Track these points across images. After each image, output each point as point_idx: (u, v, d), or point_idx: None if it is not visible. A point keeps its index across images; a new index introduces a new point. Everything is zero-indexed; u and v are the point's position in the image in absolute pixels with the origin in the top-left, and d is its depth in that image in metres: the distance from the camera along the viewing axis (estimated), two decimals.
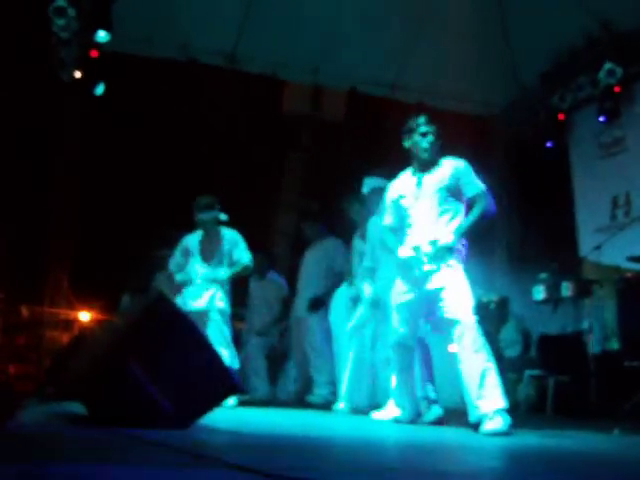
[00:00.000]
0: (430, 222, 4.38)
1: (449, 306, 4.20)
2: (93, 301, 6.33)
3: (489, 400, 4.00)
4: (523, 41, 7.26)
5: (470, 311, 4.16)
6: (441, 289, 4.24)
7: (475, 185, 4.44)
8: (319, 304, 6.58)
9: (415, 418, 4.64)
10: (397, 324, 4.49)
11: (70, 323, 6.15)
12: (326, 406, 6.08)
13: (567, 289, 6.69)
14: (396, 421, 4.66)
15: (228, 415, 4.53)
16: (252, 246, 6.76)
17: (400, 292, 4.46)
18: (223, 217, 5.98)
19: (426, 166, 4.50)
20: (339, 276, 6.49)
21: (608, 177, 7.17)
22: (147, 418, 3.24)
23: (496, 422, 3.93)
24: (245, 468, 2.12)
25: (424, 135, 4.50)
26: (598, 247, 6.38)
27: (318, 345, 6.56)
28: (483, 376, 4.03)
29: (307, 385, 6.77)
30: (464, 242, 4.37)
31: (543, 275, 7.07)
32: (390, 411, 4.84)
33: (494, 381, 4.03)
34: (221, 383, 3.65)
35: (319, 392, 6.45)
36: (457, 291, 4.22)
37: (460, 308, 4.17)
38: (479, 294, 7.07)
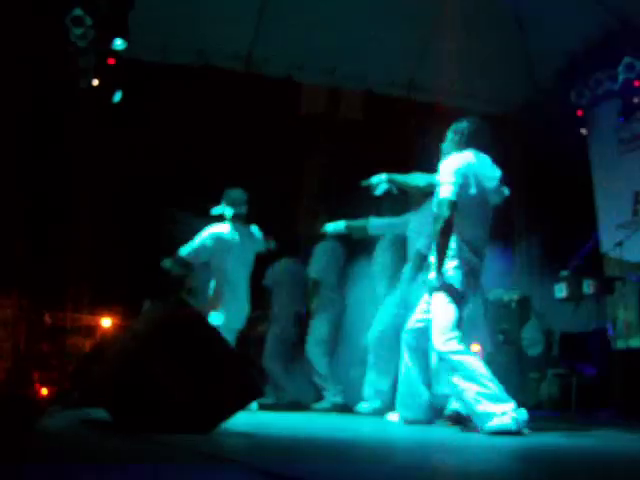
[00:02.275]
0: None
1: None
2: (115, 307, 6.37)
3: (481, 418, 3.99)
4: (539, 38, 7.21)
5: (435, 336, 4.13)
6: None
7: (438, 189, 4.27)
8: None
9: (425, 418, 4.63)
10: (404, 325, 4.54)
11: (92, 329, 6.20)
12: (336, 410, 6.07)
13: (589, 286, 6.63)
14: (405, 422, 4.66)
15: (250, 419, 4.54)
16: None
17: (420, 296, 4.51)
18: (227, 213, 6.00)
19: None
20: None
21: (629, 173, 7.10)
22: (170, 423, 3.26)
23: (502, 419, 3.91)
24: (270, 473, 2.13)
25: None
26: (620, 243, 6.34)
27: (318, 342, 6.47)
28: (460, 398, 4.11)
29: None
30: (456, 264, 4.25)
31: (564, 272, 7.02)
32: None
33: (475, 403, 3.97)
34: (244, 388, 3.66)
35: (327, 397, 6.30)
36: (433, 315, 4.23)
37: (432, 334, 4.19)
38: (500, 293, 7.05)
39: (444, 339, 4.09)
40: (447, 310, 4.14)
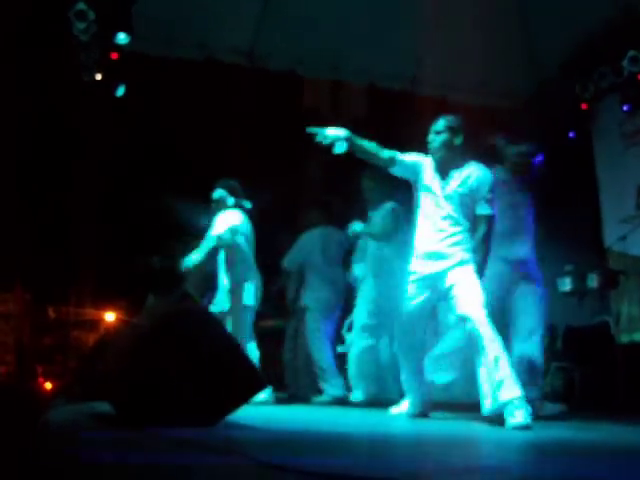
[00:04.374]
0: (443, 227, 4.42)
1: (460, 302, 4.23)
2: (118, 301, 6.38)
3: (505, 389, 4.00)
4: (544, 31, 7.19)
5: (480, 306, 4.16)
6: (452, 286, 4.29)
7: (487, 206, 4.42)
8: None
9: (424, 412, 4.65)
10: (406, 322, 4.51)
11: (96, 323, 6.20)
12: (336, 402, 6.05)
13: (593, 280, 6.62)
14: (408, 415, 4.67)
15: (254, 412, 4.55)
16: (277, 243, 6.80)
17: (412, 294, 4.48)
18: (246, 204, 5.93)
19: (445, 165, 4.49)
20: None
21: (633, 166, 7.09)
22: (174, 416, 3.26)
23: (519, 416, 3.92)
24: (274, 465, 2.13)
25: (437, 134, 4.51)
26: (623, 237, 6.34)
27: (310, 336, 6.42)
28: (497, 366, 4.03)
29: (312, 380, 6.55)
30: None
31: (568, 267, 7.01)
32: (405, 406, 4.83)
33: (507, 370, 4.03)
34: (248, 380, 3.66)
35: (327, 391, 6.24)
36: (467, 287, 4.25)
37: (470, 303, 4.19)
38: None
39: (487, 312, 4.15)
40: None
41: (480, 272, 4.33)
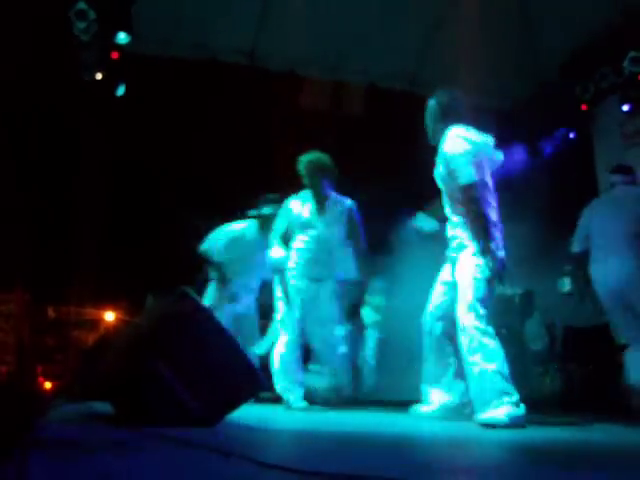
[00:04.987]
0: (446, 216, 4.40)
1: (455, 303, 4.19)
2: (118, 301, 6.38)
3: (487, 406, 3.95)
4: (545, 32, 7.19)
5: (464, 311, 4.05)
6: (454, 283, 4.25)
7: (461, 174, 4.09)
8: None
9: (444, 413, 4.62)
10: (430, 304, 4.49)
11: (96, 323, 6.20)
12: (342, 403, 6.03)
13: None
14: (432, 417, 4.65)
15: (254, 412, 4.55)
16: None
17: (439, 277, 4.48)
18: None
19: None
20: None
21: (633, 167, 7.08)
22: (174, 416, 3.26)
23: (496, 412, 3.90)
24: (277, 466, 2.13)
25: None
26: None
27: None
28: (479, 379, 3.97)
29: None
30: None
31: (568, 267, 7.00)
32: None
33: (491, 384, 3.93)
34: (247, 381, 3.66)
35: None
36: (460, 288, 4.15)
37: (458, 308, 4.11)
38: (503, 287, 7.02)
39: (472, 315, 4.00)
40: (484, 284, 4.06)
41: (482, 251, 4.04)
